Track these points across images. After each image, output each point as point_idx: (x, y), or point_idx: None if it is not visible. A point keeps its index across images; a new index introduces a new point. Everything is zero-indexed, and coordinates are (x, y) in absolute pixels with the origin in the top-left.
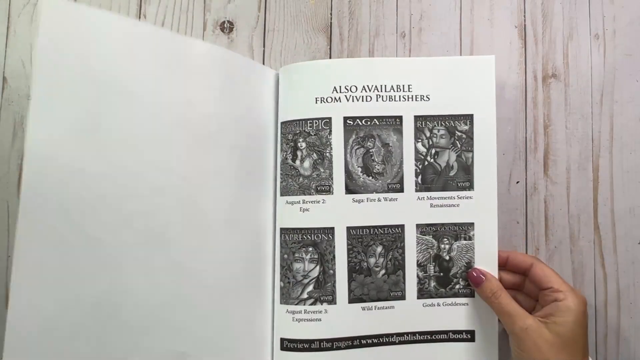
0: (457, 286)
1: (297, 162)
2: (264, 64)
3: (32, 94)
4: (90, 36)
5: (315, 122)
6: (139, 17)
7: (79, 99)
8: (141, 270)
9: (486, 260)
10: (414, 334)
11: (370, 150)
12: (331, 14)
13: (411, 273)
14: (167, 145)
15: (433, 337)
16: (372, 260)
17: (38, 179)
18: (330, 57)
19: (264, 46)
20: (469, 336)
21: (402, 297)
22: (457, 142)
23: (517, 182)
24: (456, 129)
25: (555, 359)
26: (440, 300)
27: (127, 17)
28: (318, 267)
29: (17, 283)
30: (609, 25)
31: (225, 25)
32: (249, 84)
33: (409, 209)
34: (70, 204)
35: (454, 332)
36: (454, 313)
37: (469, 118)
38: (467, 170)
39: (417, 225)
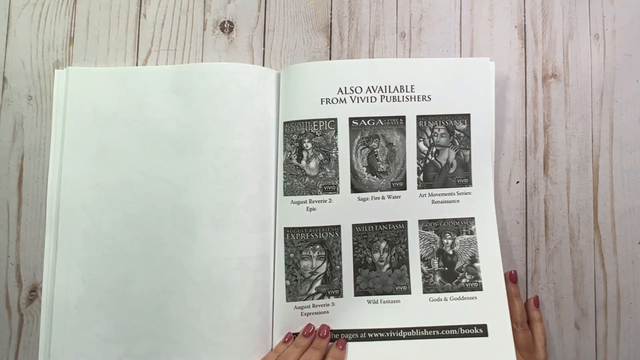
0: (464, 280)
1: (303, 162)
2: (263, 64)
3: (65, 134)
4: (98, 87)
5: (321, 123)
6: (139, 17)
7: (93, 132)
8: (142, 264)
9: (489, 254)
10: (421, 329)
11: (375, 150)
12: (331, 14)
13: (415, 268)
14: (158, 158)
15: (443, 332)
16: (376, 255)
17: (70, 192)
18: (330, 57)
19: (264, 46)
20: (481, 331)
21: (408, 292)
22: (456, 140)
23: (517, 182)
24: (455, 128)
25: None
26: (447, 295)
27: (126, 66)
28: (325, 264)
29: (60, 269)
30: (609, 25)
31: (225, 25)
32: (249, 92)
33: (412, 206)
34: (92, 209)
35: (464, 326)
36: (462, 307)
37: (466, 117)
38: (465, 167)
39: (420, 221)
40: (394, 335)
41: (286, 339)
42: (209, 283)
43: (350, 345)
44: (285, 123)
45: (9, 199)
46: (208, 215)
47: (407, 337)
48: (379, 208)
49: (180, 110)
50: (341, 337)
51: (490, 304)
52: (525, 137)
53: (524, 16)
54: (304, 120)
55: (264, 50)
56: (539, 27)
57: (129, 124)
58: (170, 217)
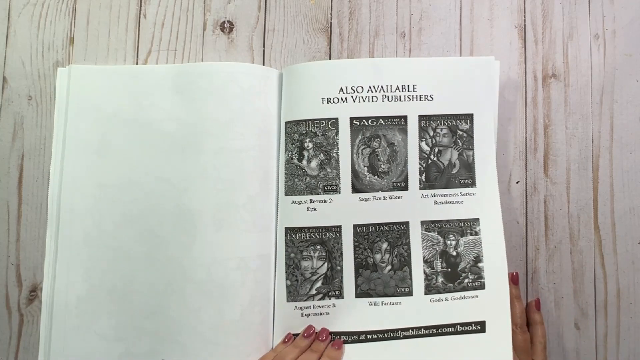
0: (466, 280)
1: (304, 162)
2: (263, 64)
3: (67, 132)
4: (100, 85)
5: (322, 123)
6: (139, 17)
7: (94, 131)
8: (143, 263)
9: (494, 254)
10: (419, 328)
11: (376, 150)
12: (331, 14)
13: (418, 269)
14: (159, 157)
15: (440, 330)
16: (377, 257)
17: (71, 191)
18: (330, 57)
19: (264, 46)
20: (479, 327)
21: (409, 294)
22: (459, 140)
23: (517, 182)
24: (457, 128)
25: None
26: (449, 295)
27: (128, 65)
28: (326, 264)
29: (60, 268)
30: (609, 25)
31: (225, 25)
32: (250, 91)
33: (414, 207)
34: (93, 208)
35: (462, 324)
36: (462, 306)
37: (469, 117)
38: (468, 167)
39: (422, 222)
40: (391, 335)
41: (286, 340)
42: (210, 282)
43: (351, 347)
44: (286, 123)
45: (9, 199)
46: (209, 215)
47: (405, 337)
48: (380, 208)
49: (181, 110)
50: (340, 338)
51: (491, 301)
52: (525, 137)
53: (524, 16)
54: (305, 120)
55: (264, 50)
56: (539, 27)
57: (130, 123)
58: (171, 216)
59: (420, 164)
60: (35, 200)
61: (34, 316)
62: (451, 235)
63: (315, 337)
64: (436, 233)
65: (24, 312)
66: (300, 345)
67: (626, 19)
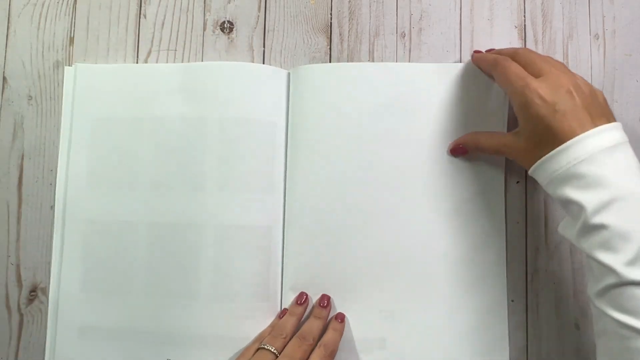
0: None
1: None
2: (263, 63)
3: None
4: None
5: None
6: (139, 17)
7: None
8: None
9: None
10: None
11: None
12: (331, 14)
13: None
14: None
15: None
16: None
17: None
18: (330, 57)
19: (264, 46)
20: None
21: None
22: None
23: (517, 182)
24: None
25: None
26: None
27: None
28: None
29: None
30: (609, 25)
31: (225, 25)
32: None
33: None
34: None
35: None
36: None
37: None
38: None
39: None
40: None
41: (281, 315)
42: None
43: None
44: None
45: (9, 199)
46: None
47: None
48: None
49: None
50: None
51: None
52: None
53: (524, 16)
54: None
55: (264, 50)
56: (539, 27)
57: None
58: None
59: None
60: (35, 200)
61: (34, 316)
62: None
63: (318, 304)
64: None
65: (24, 312)
66: (295, 313)
67: (626, 19)
